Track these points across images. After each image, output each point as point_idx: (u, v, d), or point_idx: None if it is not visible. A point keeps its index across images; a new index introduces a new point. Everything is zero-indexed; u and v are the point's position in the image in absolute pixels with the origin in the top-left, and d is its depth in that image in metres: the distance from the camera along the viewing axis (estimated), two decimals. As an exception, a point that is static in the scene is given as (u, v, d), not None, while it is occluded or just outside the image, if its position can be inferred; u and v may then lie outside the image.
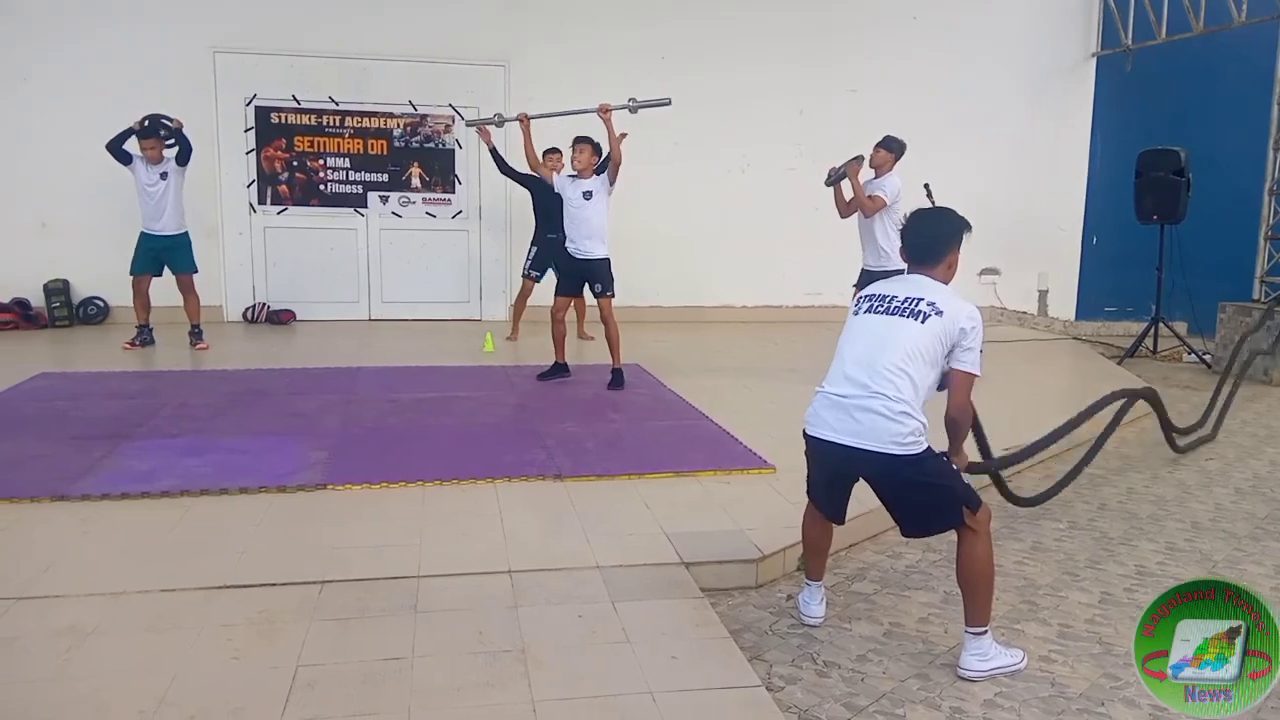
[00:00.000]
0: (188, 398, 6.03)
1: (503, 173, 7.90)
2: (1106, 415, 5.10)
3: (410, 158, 9.59)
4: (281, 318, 9.31)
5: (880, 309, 3.05)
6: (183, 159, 7.63)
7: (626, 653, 2.88)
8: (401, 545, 3.63)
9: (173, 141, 7.64)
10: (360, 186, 9.54)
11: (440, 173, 9.68)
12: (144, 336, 7.81)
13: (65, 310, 8.86)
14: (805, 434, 3.10)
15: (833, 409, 2.99)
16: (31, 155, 8.70)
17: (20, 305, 8.74)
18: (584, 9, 9.56)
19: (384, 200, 9.59)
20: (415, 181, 9.64)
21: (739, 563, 3.58)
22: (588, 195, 6.41)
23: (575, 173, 6.49)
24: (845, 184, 6.62)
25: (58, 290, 8.83)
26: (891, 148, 6.59)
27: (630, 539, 3.75)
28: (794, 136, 9.97)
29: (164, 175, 7.57)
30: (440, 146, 9.64)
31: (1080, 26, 10.82)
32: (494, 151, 7.59)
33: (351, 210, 9.54)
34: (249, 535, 3.74)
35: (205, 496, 4.14)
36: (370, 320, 9.63)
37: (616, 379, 6.54)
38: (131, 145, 7.52)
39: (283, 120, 9.29)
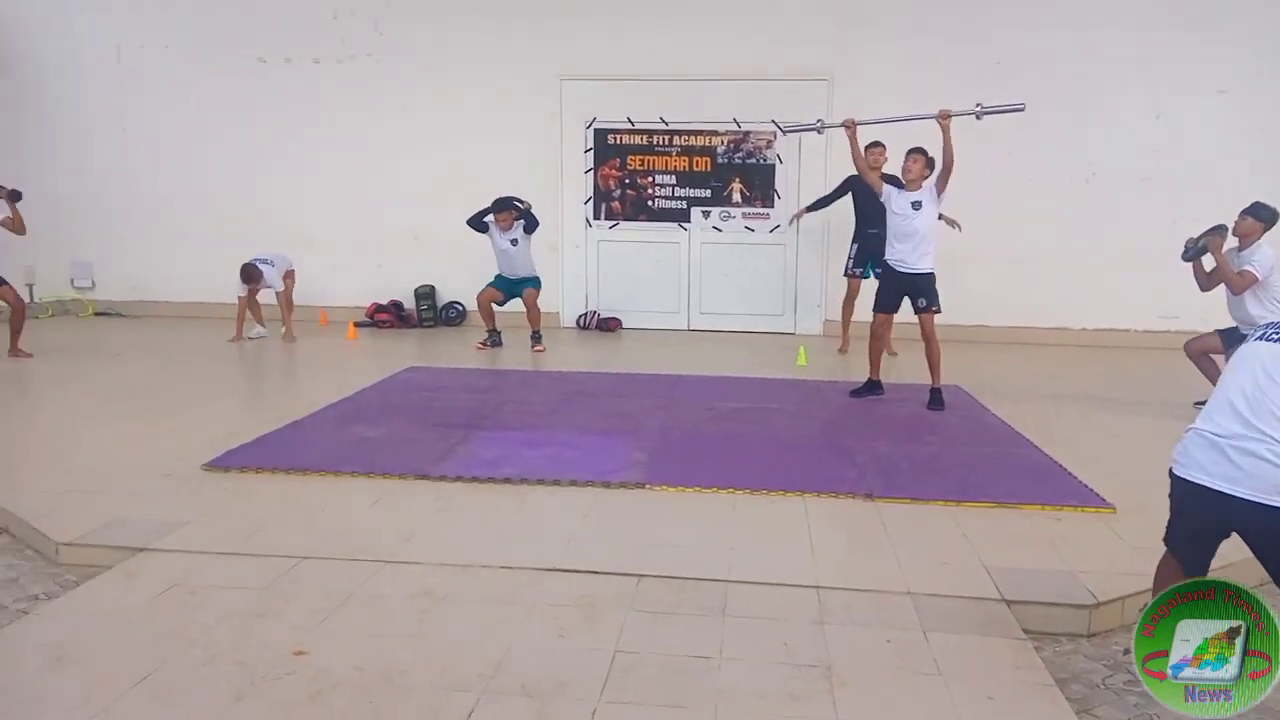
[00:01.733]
0: (528, 395, 6.62)
1: (822, 206, 8.52)
2: None
3: (732, 173, 9.85)
4: (610, 325, 9.93)
5: (1275, 336, 2.66)
6: (529, 230, 8.45)
7: (938, 685, 2.76)
8: (713, 549, 3.74)
9: (520, 217, 8.42)
10: (684, 202, 9.95)
11: (760, 187, 9.85)
12: (494, 339, 8.69)
13: (431, 312, 10.07)
14: (1171, 474, 2.74)
15: (1207, 449, 2.61)
16: (406, 176, 9.96)
17: (395, 307, 10.05)
18: (911, 18, 9.30)
19: (706, 215, 9.93)
20: (736, 196, 9.88)
21: (1070, 607, 3.30)
22: (916, 206, 6.21)
23: (903, 183, 6.32)
24: (1206, 257, 5.92)
25: (426, 295, 10.06)
26: (1261, 216, 5.82)
27: (945, 568, 3.59)
28: (1150, 143, 9.03)
29: (514, 242, 8.43)
30: (761, 162, 9.81)
31: None
32: (820, 201, 8.36)
33: (676, 225, 9.97)
34: (576, 525, 4.04)
35: (540, 486, 4.52)
36: (689, 330, 10.00)
37: (935, 399, 6.29)
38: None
39: (618, 141, 9.92)
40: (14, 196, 7.67)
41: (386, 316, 9.96)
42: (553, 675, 2.77)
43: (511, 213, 8.37)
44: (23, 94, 10.26)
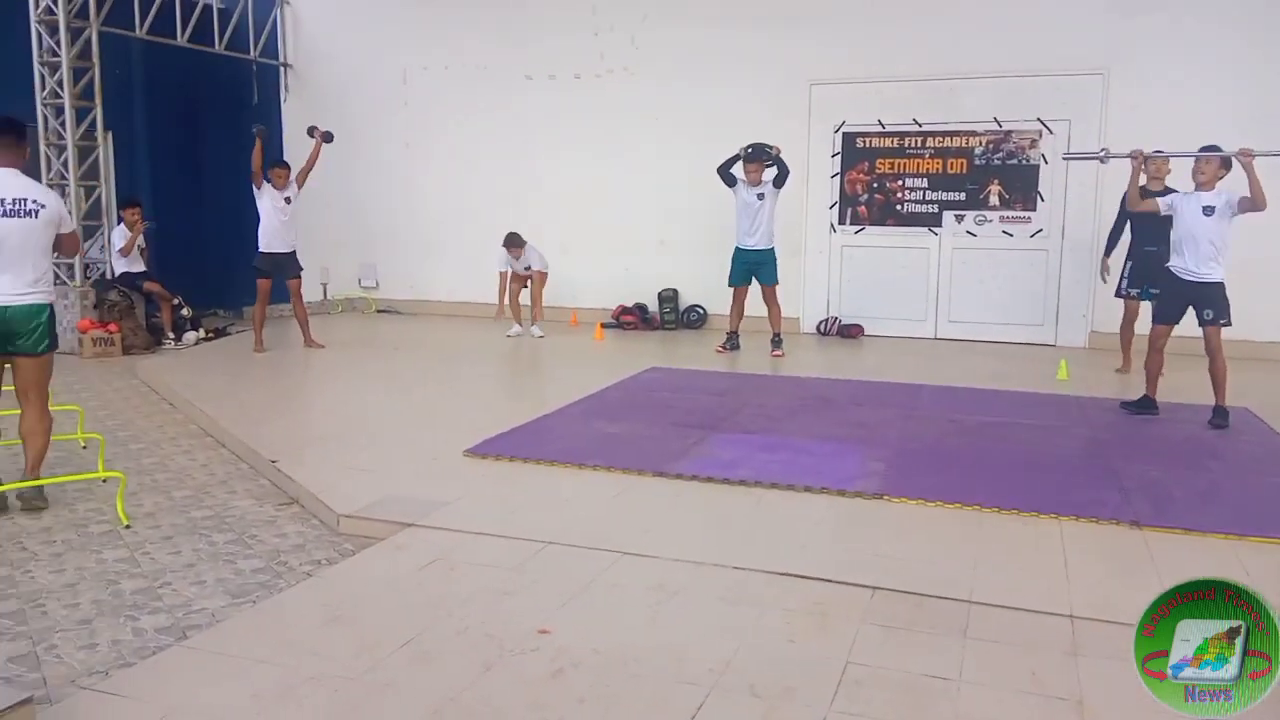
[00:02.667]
0: (765, 399, 6.62)
1: (1116, 241, 7.76)
2: None
3: (989, 175, 9.35)
4: (851, 332, 9.73)
5: None
6: (779, 182, 8.40)
7: (1211, 735, 2.48)
8: (954, 567, 3.58)
9: (772, 164, 8.43)
10: (936, 206, 9.56)
11: (1021, 190, 9.28)
12: (733, 342, 8.76)
13: (673, 315, 10.31)
14: None
15: None
16: (654, 183, 10.25)
17: (640, 309, 10.37)
18: (1204, 2, 8.41)
19: (959, 219, 9.49)
20: (993, 199, 9.37)
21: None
22: (1208, 211, 5.63)
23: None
24: None
25: (669, 298, 10.31)
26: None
27: (1225, 607, 3.22)
28: None
29: (761, 196, 8.40)
30: (1024, 163, 9.24)
31: None
32: (1111, 239, 7.70)
33: (925, 229, 9.60)
34: (810, 531, 4.00)
35: (775, 490, 4.51)
36: (935, 339, 9.60)
37: (1220, 417, 5.68)
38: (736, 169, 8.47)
39: (866, 144, 9.69)
40: (327, 137, 8.70)
41: (631, 318, 10.30)
42: (782, 679, 2.75)
43: (761, 164, 8.36)
44: (321, 115, 11.51)
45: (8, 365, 4.46)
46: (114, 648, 3.10)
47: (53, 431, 4.64)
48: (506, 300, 9.46)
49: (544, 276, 9.63)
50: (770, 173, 8.44)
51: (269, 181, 8.42)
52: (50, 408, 4.62)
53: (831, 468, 4.82)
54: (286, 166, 8.66)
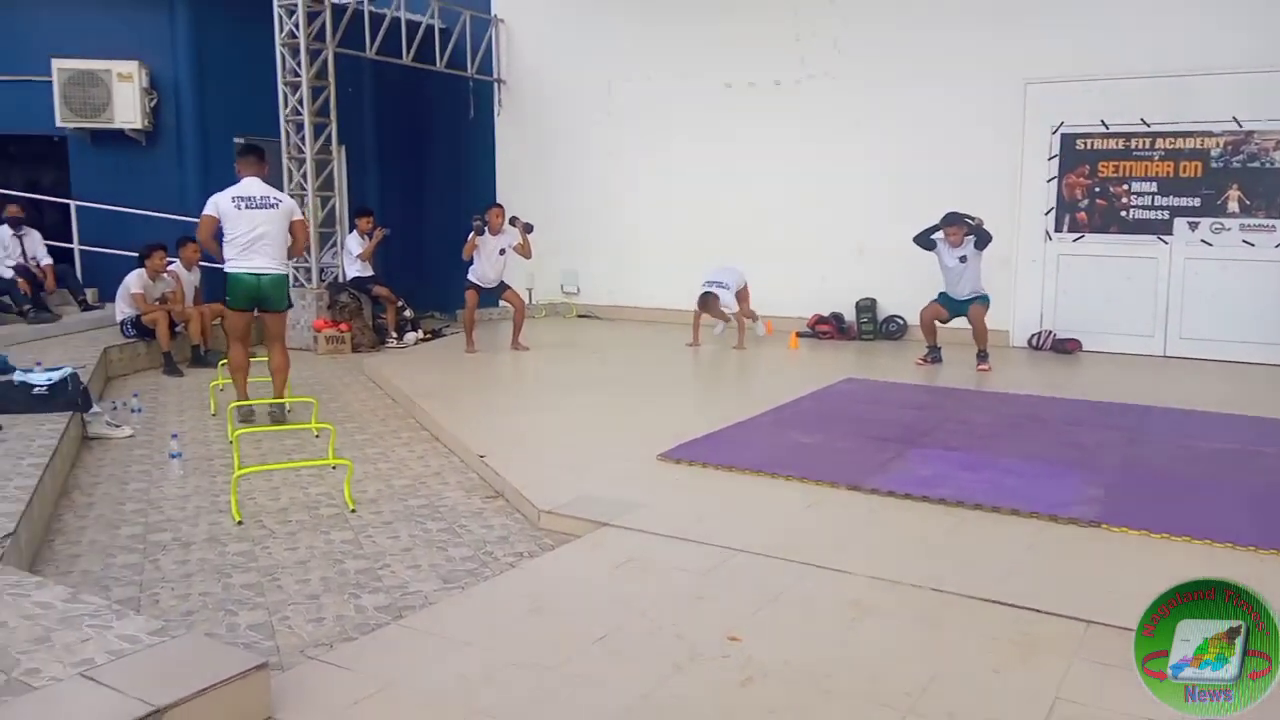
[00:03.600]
0: (968, 415, 6.34)
1: None
2: None
3: (1228, 179, 8.54)
4: (1067, 346, 9.15)
5: None
6: (980, 246, 8.03)
7: None
8: (1181, 605, 3.29)
9: (971, 233, 8.04)
10: (1166, 212, 8.83)
11: (1265, 196, 8.42)
12: (934, 355, 8.44)
13: (871, 325, 10.06)
14: None
15: None
16: (854, 190, 10.04)
17: (835, 319, 10.18)
18: None
19: (1193, 227, 8.72)
20: (1232, 206, 8.55)
21: None
22: None
23: None
24: None
25: (866, 308, 10.07)
26: None
27: None
28: None
29: (963, 259, 8.07)
30: (1267, 166, 8.38)
31: None
32: None
33: (1154, 238, 8.89)
34: (1017, 557, 3.79)
35: (978, 511, 4.31)
36: (1164, 356, 8.87)
37: None
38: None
39: (1087, 146, 9.09)
40: (527, 229, 9.03)
41: (827, 328, 10.13)
42: (984, 709, 2.63)
43: (961, 228, 8.05)
44: (530, 128, 12.05)
45: (257, 319, 6.31)
46: (338, 622, 3.37)
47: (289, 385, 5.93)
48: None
49: (747, 294, 9.39)
50: (971, 239, 8.06)
51: (483, 233, 8.79)
52: (288, 393, 6.27)
53: (1042, 491, 4.54)
54: (501, 208, 9.07)
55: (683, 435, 5.58)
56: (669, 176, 11.14)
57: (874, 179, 9.88)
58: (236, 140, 10.47)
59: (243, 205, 6.05)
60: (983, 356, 8.20)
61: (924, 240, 8.22)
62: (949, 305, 8.29)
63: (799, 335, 9.87)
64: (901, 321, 9.97)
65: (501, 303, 9.68)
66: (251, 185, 6.13)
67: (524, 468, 5.04)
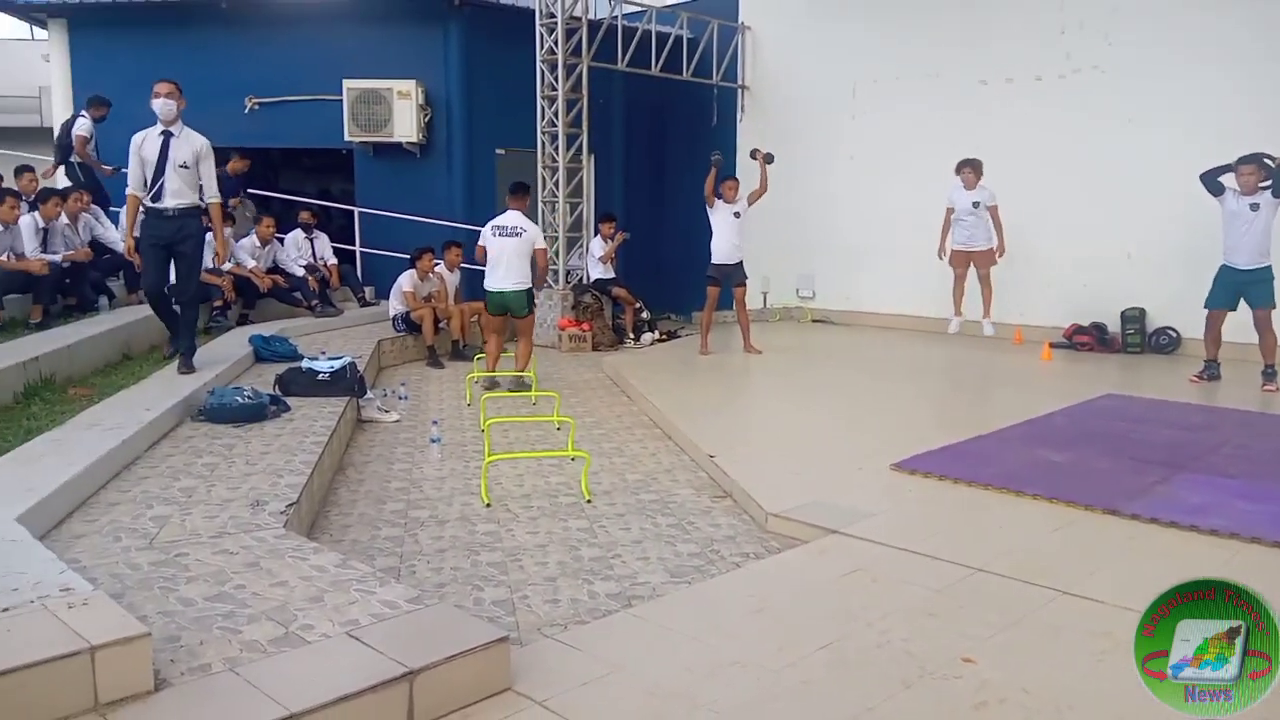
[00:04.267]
0: (1250, 440, 5.68)
1: None
2: None
3: None
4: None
5: None
6: (1278, 194, 7.14)
7: None
8: None
9: (1269, 178, 7.18)
10: None
11: None
12: (1211, 371, 7.61)
13: (1138, 337, 9.23)
14: None
15: None
16: (1123, 190, 9.25)
17: (1097, 329, 9.42)
18: None
19: None
20: None
21: None
22: None
23: None
24: None
25: (1134, 318, 9.25)
26: None
27: None
28: None
29: (1255, 206, 7.19)
30: None
31: None
32: None
33: None
34: (1305, 600, 3.35)
35: (1257, 545, 3.86)
36: None
37: None
38: (1227, 179, 7.34)
39: None
40: (768, 159, 9.06)
41: (1086, 339, 9.41)
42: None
43: (1259, 170, 7.14)
44: (772, 133, 12.02)
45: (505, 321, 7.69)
46: (572, 605, 3.54)
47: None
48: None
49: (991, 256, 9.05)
50: (1268, 185, 7.17)
51: (720, 197, 8.97)
52: (535, 389, 7.15)
53: (1340, 528, 4.00)
54: (736, 180, 9.18)
55: (918, 446, 5.39)
56: (913, 178, 10.76)
57: (1147, 179, 9.05)
58: (498, 152, 11.26)
59: (497, 233, 7.51)
60: (1270, 374, 7.30)
61: (1210, 181, 7.37)
62: (1230, 287, 7.39)
63: (1053, 346, 9.22)
64: (1174, 334, 9.08)
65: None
66: (509, 216, 7.54)
67: (753, 470, 5.05)
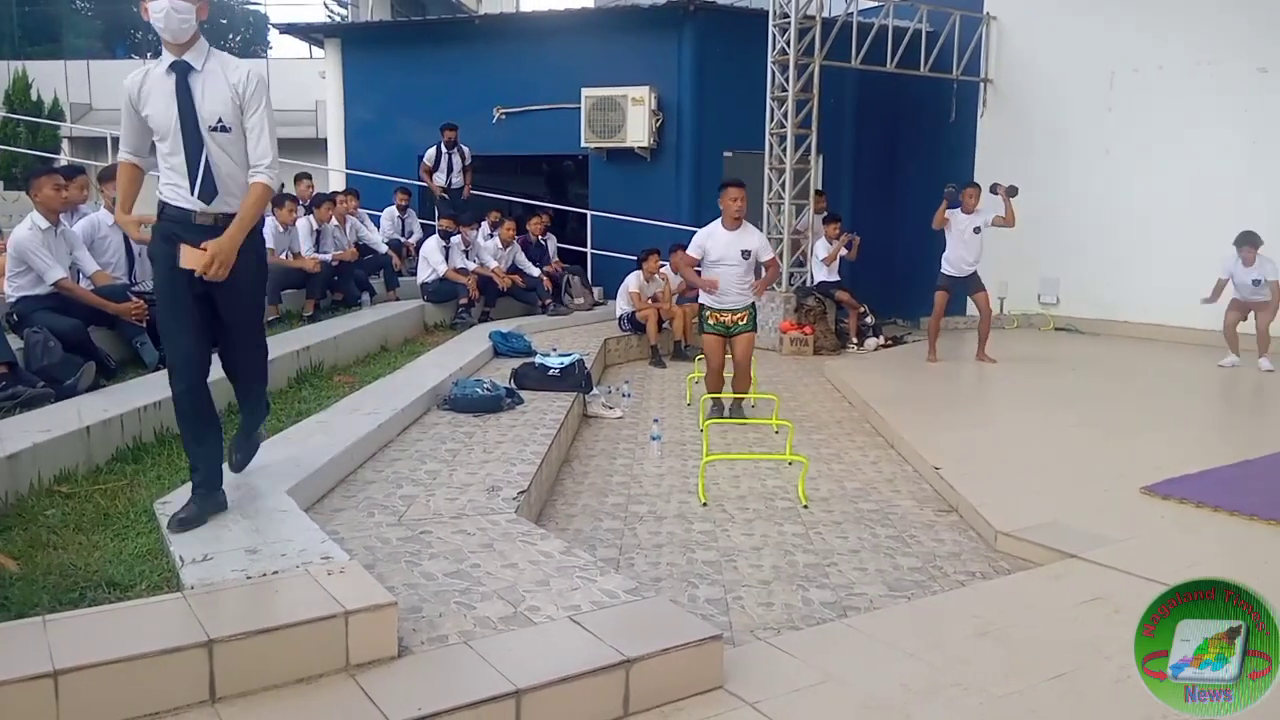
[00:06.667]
0: None
1: None
2: None
3: None
4: None
5: None
6: None
7: None
8: None
9: None
10: None
11: None
12: None
13: None
14: None
15: None
16: None
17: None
18: None
19: None
20: None
21: None
22: None
23: None
24: None
25: None
26: None
27: None
28: None
29: None
30: None
31: None
32: None
33: None
34: None
35: None
36: None
37: None
38: None
39: None
40: (1011, 192, 8.57)
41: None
42: None
43: None
44: (1016, 128, 11.36)
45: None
46: (785, 610, 3.52)
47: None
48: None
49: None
50: None
51: (957, 207, 8.54)
52: (752, 389, 6.87)
53: None
54: (978, 187, 8.73)
55: (1174, 469, 4.92)
56: (1182, 176, 9.84)
57: None
58: (726, 154, 11.34)
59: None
60: None
61: None
62: None
63: (1343, 365, 8.14)
64: None
65: (969, 307, 9.30)
66: (741, 234, 6.56)
67: (982, 485, 4.81)
